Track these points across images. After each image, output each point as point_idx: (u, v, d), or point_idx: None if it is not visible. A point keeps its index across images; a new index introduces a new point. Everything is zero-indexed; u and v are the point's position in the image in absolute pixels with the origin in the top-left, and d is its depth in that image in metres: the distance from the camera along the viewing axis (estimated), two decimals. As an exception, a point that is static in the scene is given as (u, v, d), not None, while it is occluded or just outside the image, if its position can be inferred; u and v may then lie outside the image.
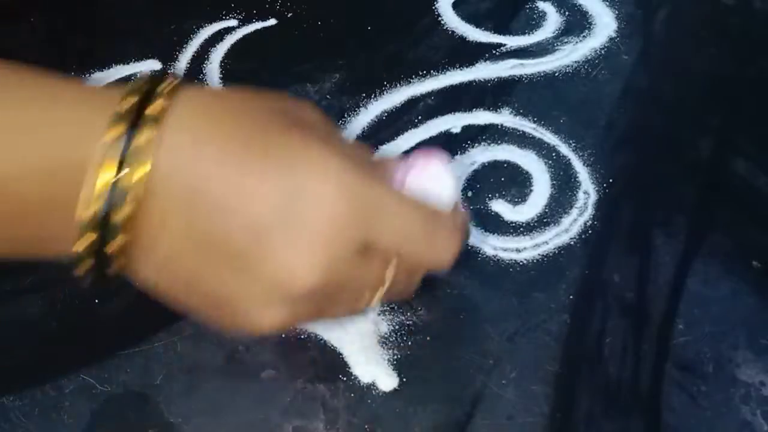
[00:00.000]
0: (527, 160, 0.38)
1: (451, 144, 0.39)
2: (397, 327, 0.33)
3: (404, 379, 0.32)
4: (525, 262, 0.35)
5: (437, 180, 0.28)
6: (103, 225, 0.22)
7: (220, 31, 0.44)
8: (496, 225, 0.36)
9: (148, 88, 0.23)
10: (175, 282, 0.24)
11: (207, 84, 0.41)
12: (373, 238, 0.24)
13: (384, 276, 0.26)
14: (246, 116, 0.24)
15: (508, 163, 0.38)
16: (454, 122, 0.40)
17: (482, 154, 0.38)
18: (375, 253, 0.25)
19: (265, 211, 0.23)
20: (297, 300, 0.24)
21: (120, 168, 0.21)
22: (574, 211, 0.37)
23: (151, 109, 0.22)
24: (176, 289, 0.24)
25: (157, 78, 0.23)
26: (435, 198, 0.27)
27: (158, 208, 0.22)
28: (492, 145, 0.39)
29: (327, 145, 0.24)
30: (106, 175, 0.21)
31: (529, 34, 0.44)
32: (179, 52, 0.42)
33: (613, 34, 0.44)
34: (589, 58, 0.43)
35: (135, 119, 0.22)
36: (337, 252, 0.23)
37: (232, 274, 0.23)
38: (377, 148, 0.38)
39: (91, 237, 0.22)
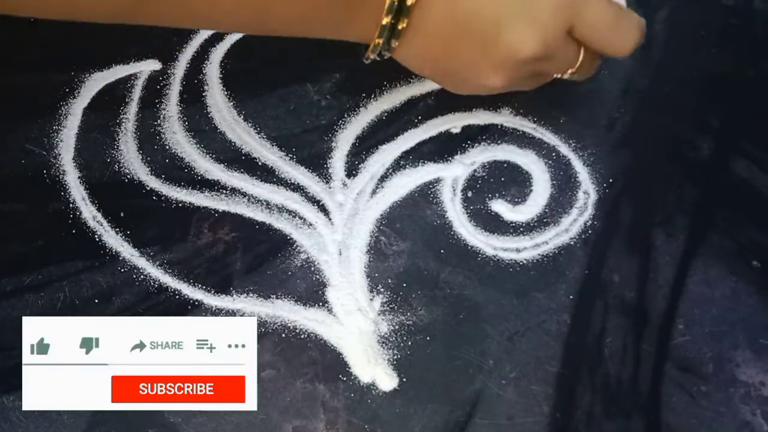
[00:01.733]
0: (527, 160, 0.38)
1: (451, 144, 0.39)
2: (397, 327, 0.33)
3: (404, 379, 0.32)
4: (525, 262, 0.35)
5: None
6: (398, 9, 0.30)
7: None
8: (496, 225, 0.36)
9: None
10: (430, 59, 0.33)
11: (207, 85, 0.41)
12: (577, 23, 0.32)
13: (578, 56, 0.34)
14: None
15: (508, 163, 0.38)
16: (454, 122, 0.40)
17: (482, 154, 0.38)
18: (575, 36, 0.32)
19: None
20: (520, 64, 0.32)
21: None
22: (574, 211, 0.37)
23: None
24: (429, 63, 0.34)
25: None
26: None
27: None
28: (492, 145, 0.39)
29: None
30: None
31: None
32: (179, 52, 0.42)
33: (613, 34, 0.44)
34: (589, 58, 0.43)
35: None
36: (554, 30, 0.31)
37: (475, 50, 0.31)
38: (377, 148, 0.39)
39: (387, 18, 0.30)
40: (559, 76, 0.35)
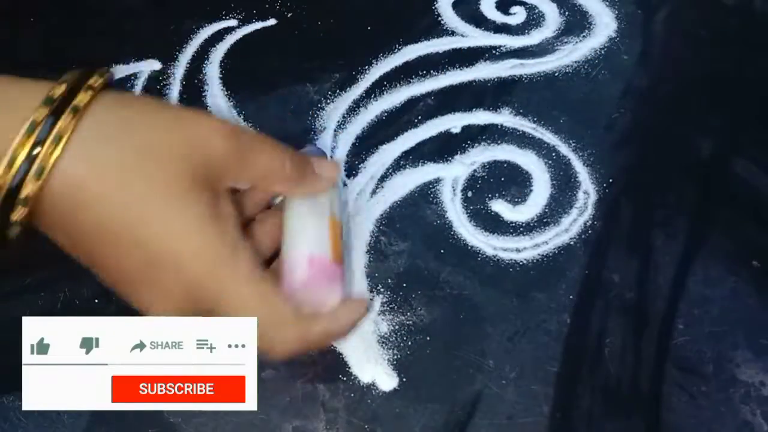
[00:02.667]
0: (527, 160, 0.38)
1: (450, 144, 0.39)
2: (397, 327, 0.33)
3: (404, 379, 0.32)
4: (525, 262, 0.35)
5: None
6: (10, 195, 0.24)
7: (220, 31, 0.44)
8: (496, 225, 0.36)
9: (79, 79, 0.25)
10: (73, 251, 0.27)
11: (207, 85, 0.41)
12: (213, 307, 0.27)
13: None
14: (149, 153, 0.25)
15: (508, 163, 0.38)
16: (453, 122, 0.40)
17: (482, 154, 0.38)
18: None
19: (132, 266, 0.26)
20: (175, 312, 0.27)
21: (34, 148, 0.23)
22: (574, 211, 0.37)
23: (77, 100, 0.24)
24: (75, 255, 0.27)
25: (88, 73, 0.25)
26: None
27: (55, 195, 0.24)
28: (492, 145, 0.39)
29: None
30: (23, 151, 0.23)
31: (529, 34, 0.44)
32: (179, 52, 0.42)
33: (613, 34, 0.44)
34: (589, 58, 0.43)
35: (60, 106, 0.24)
36: (186, 307, 0.27)
37: (119, 268, 0.26)
38: (377, 148, 0.39)
39: None
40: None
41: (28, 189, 0.24)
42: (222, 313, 0.27)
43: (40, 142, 0.23)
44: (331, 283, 0.29)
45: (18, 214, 0.24)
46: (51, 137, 0.23)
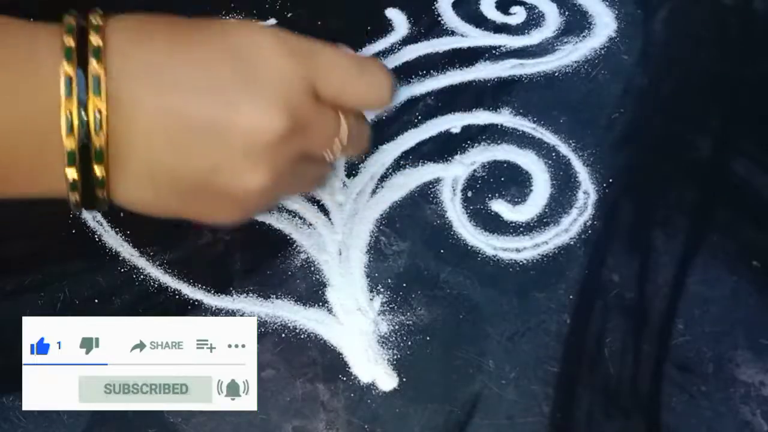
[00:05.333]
0: (527, 160, 0.38)
1: (450, 144, 0.39)
2: (397, 327, 0.33)
3: (404, 379, 0.32)
4: (525, 262, 0.35)
5: None
6: (86, 152, 0.24)
7: (220, 31, 0.44)
8: (496, 225, 0.36)
9: (81, 24, 0.25)
10: (159, 187, 0.26)
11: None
12: (318, 83, 0.27)
13: (339, 123, 0.28)
14: (176, 23, 0.26)
15: (508, 163, 0.38)
16: (453, 122, 0.40)
17: (482, 154, 0.38)
18: (324, 100, 0.27)
19: (221, 74, 0.25)
20: (273, 148, 0.26)
21: (82, 98, 0.24)
22: (574, 211, 0.37)
23: (93, 41, 0.24)
24: (161, 194, 0.26)
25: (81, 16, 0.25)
26: None
27: (127, 119, 0.24)
28: (492, 145, 0.39)
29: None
30: (74, 108, 0.24)
31: (529, 34, 0.44)
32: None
33: (613, 34, 0.44)
34: (589, 58, 0.43)
35: (81, 52, 0.24)
36: (293, 96, 0.26)
37: (208, 149, 0.25)
38: (377, 149, 0.39)
39: (75, 170, 0.24)
40: (329, 156, 0.29)
41: (98, 142, 0.24)
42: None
43: (83, 96, 0.23)
44: None
45: (100, 169, 0.24)
46: (91, 86, 0.24)
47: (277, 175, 0.26)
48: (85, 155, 0.24)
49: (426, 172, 0.38)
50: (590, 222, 0.36)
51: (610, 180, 0.38)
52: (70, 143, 0.24)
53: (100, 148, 0.24)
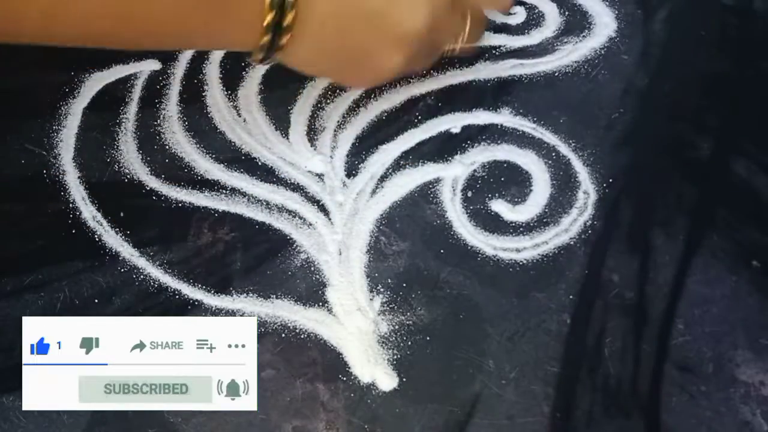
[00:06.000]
0: (527, 160, 0.38)
1: (450, 144, 0.39)
2: (397, 327, 0.33)
3: (404, 379, 0.32)
4: (525, 262, 0.35)
5: None
6: (282, 4, 0.29)
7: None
8: (496, 225, 0.36)
9: None
10: (322, 56, 0.33)
11: (207, 85, 0.41)
12: None
13: (465, 23, 0.36)
14: None
15: (508, 163, 0.38)
16: (453, 122, 0.40)
17: (482, 154, 0.38)
18: (458, 7, 0.35)
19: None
20: (414, 38, 0.33)
21: None
22: (574, 211, 0.37)
23: None
24: (322, 61, 0.34)
25: None
26: None
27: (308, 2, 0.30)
28: (492, 145, 0.39)
29: None
30: None
31: (529, 34, 0.44)
32: (179, 52, 0.42)
33: (613, 34, 0.44)
34: (589, 58, 0.43)
35: None
36: (438, 4, 0.33)
37: (368, 31, 0.32)
38: (377, 148, 0.39)
39: (271, 14, 0.29)
40: (450, 48, 0.37)
41: (288, 18, 0.30)
42: None
43: None
44: None
45: (284, 38, 0.30)
46: None
47: (409, 60, 0.34)
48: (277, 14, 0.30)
49: (426, 172, 0.38)
50: (590, 222, 0.36)
51: (610, 180, 0.38)
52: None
53: (293, 1, 0.30)
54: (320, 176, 0.37)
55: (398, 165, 0.38)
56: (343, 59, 0.34)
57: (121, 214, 0.36)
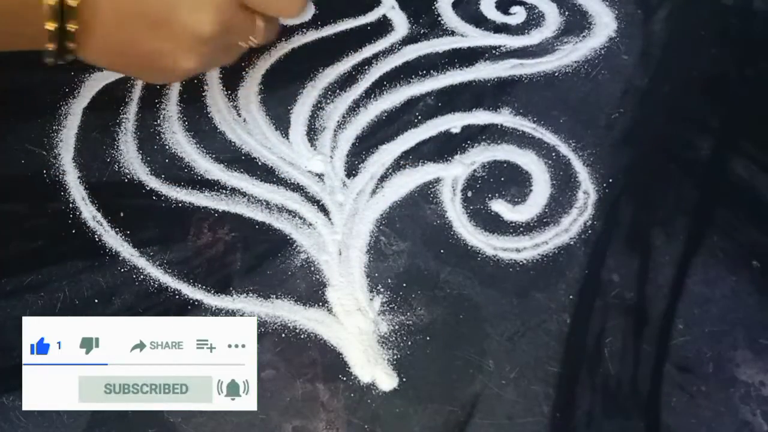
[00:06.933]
0: (527, 160, 0.38)
1: (450, 144, 0.39)
2: (397, 327, 0.33)
3: (404, 379, 0.32)
4: (525, 262, 0.35)
5: None
6: (62, 12, 0.30)
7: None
8: (496, 225, 0.36)
9: None
10: (115, 56, 0.33)
11: (207, 85, 0.41)
12: None
13: (255, 26, 0.36)
14: None
15: (508, 163, 0.38)
16: (453, 122, 0.40)
17: (482, 154, 0.39)
18: (246, 8, 0.34)
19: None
20: (203, 43, 0.33)
21: None
22: (574, 211, 0.37)
23: None
24: (116, 61, 0.34)
25: None
26: None
27: (93, 6, 0.30)
28: (492, 145, 0.39)
29: None
30: None
31: (529, 34, 0.44)
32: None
33: (613, 34, 0.44)
34: (589, 58, 0.43)
35: None
36: (225, 7, 0.33)
37: (156, 39, 0.32)
38: (377, 148, 0.39)
39: (54, 24, 0.30)
40: (244, 44, 0.37)
41: (71, 26, 0.30)
42: None
43: None
44: None
45: (72, 24, 0.30)
46: None
47: (204, 61, 0.34)
48: (61, 16, 0.30)
49: (426, 172, 0.38)
50: (590, 222, 0.36)
51: (610, 180, 0.38)
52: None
53: (75, 9, 0.30)
54: (320, 176, 0.37)
55: (398, 165, 0.38)
56: (137, 63, 0.34)
57: (121, 214, 0.36)
